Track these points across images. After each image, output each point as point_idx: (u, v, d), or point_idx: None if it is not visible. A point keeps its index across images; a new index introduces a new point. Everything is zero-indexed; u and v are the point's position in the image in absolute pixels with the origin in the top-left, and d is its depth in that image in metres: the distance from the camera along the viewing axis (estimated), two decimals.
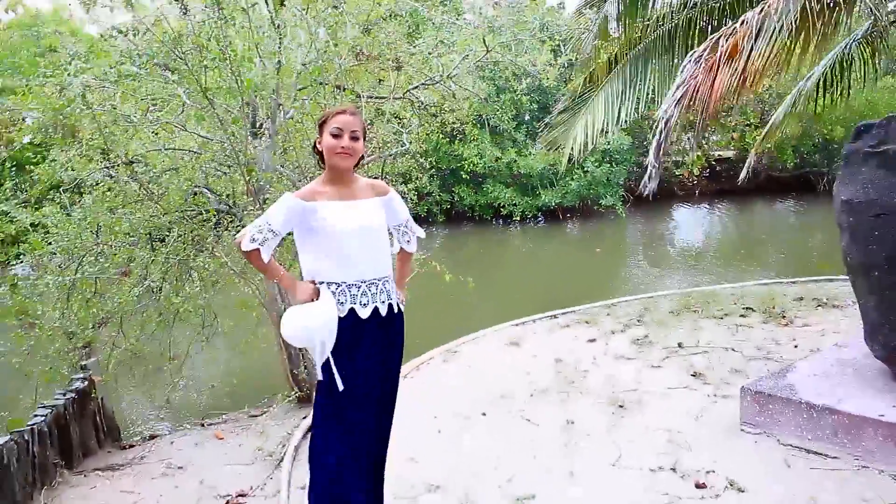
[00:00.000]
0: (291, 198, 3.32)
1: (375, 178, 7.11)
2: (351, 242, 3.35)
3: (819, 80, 7.62)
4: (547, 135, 8.83)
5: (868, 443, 4.20)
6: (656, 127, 5.54)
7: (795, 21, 5.13)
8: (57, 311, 6.50)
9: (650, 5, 7.72)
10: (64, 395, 5.45)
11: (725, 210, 24.00)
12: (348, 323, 3.32)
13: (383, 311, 3.44)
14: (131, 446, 6.02)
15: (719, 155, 24.65)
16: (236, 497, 4.55)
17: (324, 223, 3.30)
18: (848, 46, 7.46)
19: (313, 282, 3.36)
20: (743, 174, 9.27)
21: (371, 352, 3.40)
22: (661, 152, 5.61)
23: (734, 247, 18.57)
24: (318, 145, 3.47)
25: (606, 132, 7.61)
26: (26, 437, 4.69)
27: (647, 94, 7.47)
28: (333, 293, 3.31)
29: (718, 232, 21.92)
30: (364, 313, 3.36)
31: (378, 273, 3.45)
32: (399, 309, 3.55)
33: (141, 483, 5.04)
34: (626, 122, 7.61)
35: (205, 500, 4.59)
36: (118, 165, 6.11)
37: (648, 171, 5.64)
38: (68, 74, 5.75)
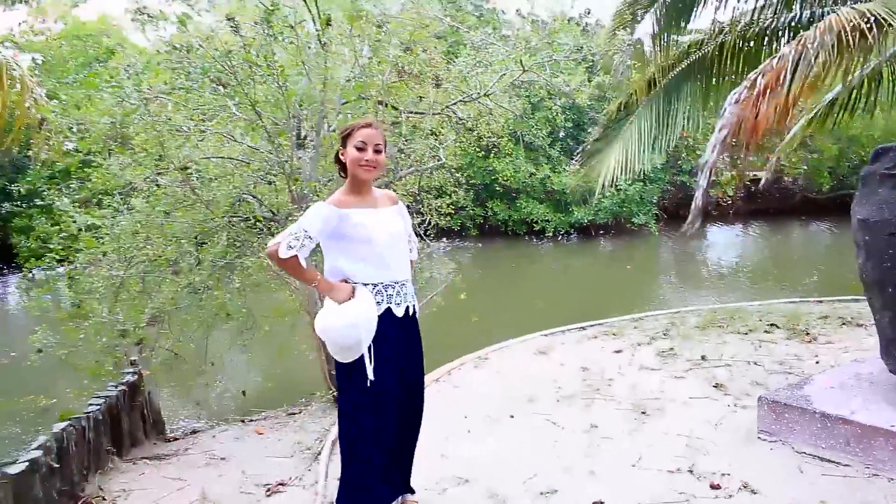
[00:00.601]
0: (326, 206, 3.51)
1: (411, 192, 7.44)
2: (384, 247, 3.58)
3: (844, 97, 7.77)
4: (582, 162, 9.01)
5: (879, 452, 4.37)
6: (701, 172, 5.74)
7: (832, 50, 5.28)
8: (105, 308, 6.86)
9: (684, 25, 7.91)
10: (116, 387, 5.78)
11: (759, 231, 23.99)
12: (385, 320, 3.56)
13: (411, 310, 3.72)
14: (175, 439, 6.33)
15: (755, 175, 24.65)
16: (276, 486, 4.84)
17: (360, 229, 3.51)
18: (878, 65, 7.59)
19: (346, 281, 3.57)
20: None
21: (401, 349, 3.66)
22: (706, 195, 5.81)
23: (765, 267, 18.60)
24: (340, 156, 3.66)
25: (641, 165, 7.78)
26: (83, 424, 5.01)
27: (683, 121, 7.65)
28: (371, 293, 3.56)
29: (751, 252, 21.92)
30: (399, 312, 3.62)
31: (406, 275, 3.72)
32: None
33: (186, 472, 5.34)
34: (660, 151, 7.79)
35: (247, 488, 4.87)
36: (171, 171, 6.47)
37: (692, 213, 5.84)
38: (129, 87, 6.14)
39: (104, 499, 4.80)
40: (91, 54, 22.95)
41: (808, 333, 7.43)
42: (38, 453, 4.34)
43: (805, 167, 23.80)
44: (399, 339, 3.65)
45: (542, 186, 20.99)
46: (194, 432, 6.64)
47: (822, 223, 23.91)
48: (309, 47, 6.57)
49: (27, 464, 4.16)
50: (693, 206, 5.82)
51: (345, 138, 3.62)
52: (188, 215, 6.65)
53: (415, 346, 3.80)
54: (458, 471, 4.61)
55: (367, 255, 3.56)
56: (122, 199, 7.13)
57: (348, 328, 3.47)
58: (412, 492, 3.98)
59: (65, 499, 4.57)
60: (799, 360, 6.58)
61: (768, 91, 5.32)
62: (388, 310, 3.59)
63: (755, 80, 5.51)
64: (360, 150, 3.53)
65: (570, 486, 4.34)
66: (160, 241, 6.74)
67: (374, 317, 3.52)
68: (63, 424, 4.79)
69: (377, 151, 3.57)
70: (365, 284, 3.56)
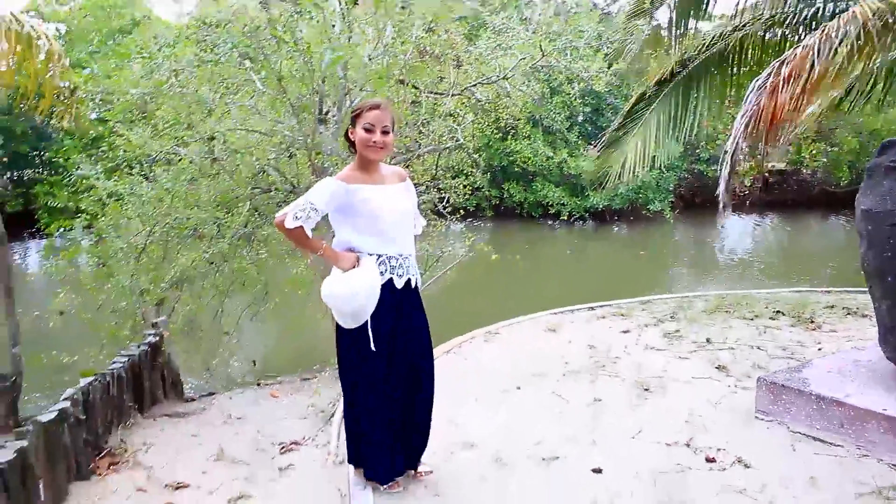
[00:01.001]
0: (334, 181, 3.69)
1: (429, 170, 7.60)
2: (389, 221, 3.76)
3: (861, 85, 7.82)
4: (601, 150, 9.08)
5: (871, 434, 4.52)
6: (723, 162, 5.84)
7: (856, 40, 5.35)
8: (126, 272, 7.09)
9: (703, 12, 7.95)
10: (138, 346, 6.03)
11: (775, 222, 23.96)
12: (386, 290, 3.74)
13: (412, 283, 3.90)
14: (193, 399, 6.58)
15: (773, 166, 24.57)
16: (290, 445, 5.06)
17: (367, 204, 3.68)
18: None
19: (351, 251, 3.76)
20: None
21: (402, 320, 3.85)
22: (729, 185, 5.91)
23: (778, 257, 18.64)
24: (350, 135, 3.81)
25: (660, 156, 7.87)
26: (107, 380, 5.26)
27: (704, 111, 7.72)
28: (375, 262, 3.74)
29: (765, 242, 21.94)
30: (399, 283, 3.80)
31: (410, 250, 3.90)
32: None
33: (203, 429, 5.58)
34: (679, 142, 7.85)
35: (262, 446, 5.10)
36: (197, 141, 6.67)
37: (721, 204, 5.96)
38: (159, 59, 6.34)
39: (126, 450, 5.04)
40: (114, 25, 23.16)
41: (812, 321, 7.56)
42: (67, 404, 4.58)
43: (825, 160, 23.75)
44: (400, 311, 3.83)
45: (559, 170, 21.07)
46: (211, 394, 6.89)
47: (839, 217, 23.84)
48: (333, 25, 6.73)
49: (57, 413, 4.40)
50: (720, 196, 5.92)
51: (354, 118, 3.77)
52: (213, 185, 6.85)
53: (417, 318, 3.96)
54: (465, 437, 4.80)
55: (373, 229, 3.73)
56: (147, 167, 7.34)
57: (352, 295, 3.66)
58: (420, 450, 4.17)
59: (90, 448, 4.81)
60: (802, 347, 6.71)
61: (791, 78, 5.39)
62: (390, 280, 3.77)
63: (779, 67, 5.57)
64: (368, 131, 3.68)
65: (572, 453, 4.53)
66: (182, 208, 6.94)
67: (377, 285, 3.70)
68: (89, 379, 5.03)
69: (385, 133, 3.71)
70: (370, 255, 3.74)
